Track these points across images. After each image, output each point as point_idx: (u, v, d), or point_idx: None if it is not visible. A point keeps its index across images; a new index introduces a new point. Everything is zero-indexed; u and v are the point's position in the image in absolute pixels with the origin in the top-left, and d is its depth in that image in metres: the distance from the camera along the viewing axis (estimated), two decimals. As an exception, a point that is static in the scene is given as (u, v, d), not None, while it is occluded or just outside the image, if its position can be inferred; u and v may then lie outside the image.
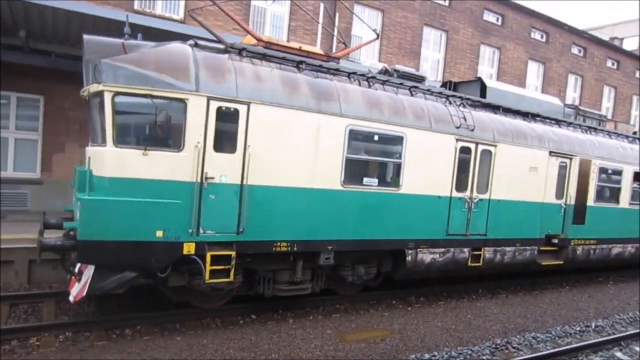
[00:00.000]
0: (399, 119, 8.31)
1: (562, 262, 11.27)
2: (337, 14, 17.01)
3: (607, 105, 26.03)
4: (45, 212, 7.68)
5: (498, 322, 8.33)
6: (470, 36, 20.27)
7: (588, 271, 13.07)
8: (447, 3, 19.80)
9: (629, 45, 34.40)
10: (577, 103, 23.88)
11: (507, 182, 9.90)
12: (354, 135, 7.91)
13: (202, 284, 6.75)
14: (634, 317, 9.40)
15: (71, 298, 6.63)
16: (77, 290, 6.56)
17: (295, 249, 7.42)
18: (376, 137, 8.16)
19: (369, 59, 17.97)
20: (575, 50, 24.14)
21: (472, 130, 9.27)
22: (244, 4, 15.40)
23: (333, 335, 7.01)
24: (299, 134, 7.30)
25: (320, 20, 16.52)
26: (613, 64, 25.96)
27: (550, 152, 10.64)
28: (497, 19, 21.23)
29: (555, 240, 11.13)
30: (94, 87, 6.31)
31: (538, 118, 11.06)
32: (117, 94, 6.20)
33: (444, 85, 11.34)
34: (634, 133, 14.41)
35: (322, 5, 16.62)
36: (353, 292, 8.98)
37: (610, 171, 12.17)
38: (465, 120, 9.25)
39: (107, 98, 6.17)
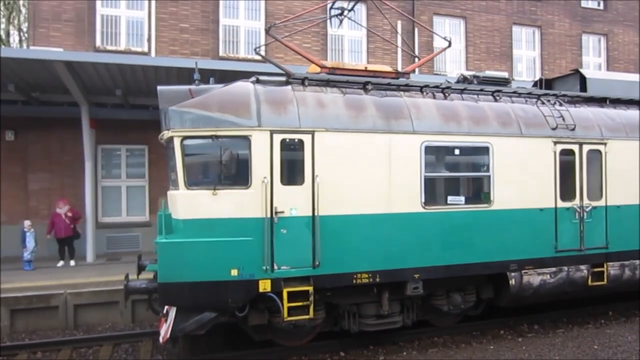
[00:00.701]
0: (481, 129, 7.54)
1: None
2: (416, 29, 16.51)
3: None
4: (141, 256, 8.11)
5: (634, 353, 6.93)
6: (568, 27, 18.41)
7: None
8: (536, -3, 18.28)
9: None
10: None
11: (626, 183, 8.46)
12: (431, 152, 7.31)
13: (282, 322, 6.53)
14: None
15: (160, 338, 6.80)
16: (164, 330, 6.72)
17: (377, 279, 6.93)
18: (457, 151, 7.47)
19: (455, 69, 17.07)
20: None
21: (573, 129, 8.11)
22: (321, 34, 15.60)
23: (427, 375, 6.32)
24: (368, 157, 6.90)
25: (399, 38, 16.13)
26: None
27: (679, 143, 8.94)
28: (598, 3, 19.09)
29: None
30: (166, 134, 6.57)
31: (659, 106, 9.43)
32: (185, 138, 6.39)
33: (535, 84, 10.22)
34: None
35: (399, 23, 16.28)
36: (451, 323, 8.15)
37: None
38: (563, 119, 8.14)
39: (177, 143, 6.37)
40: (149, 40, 13.59)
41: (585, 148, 8.22)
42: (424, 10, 16.68)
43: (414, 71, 9.10)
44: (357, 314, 7.31)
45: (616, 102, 9.06)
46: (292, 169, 6.73)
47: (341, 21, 8.84)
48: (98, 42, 13.39)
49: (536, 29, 18.13)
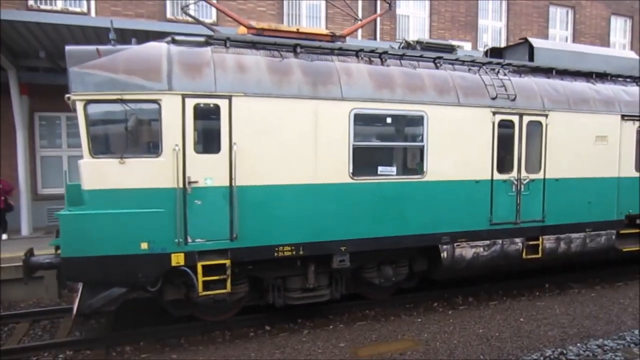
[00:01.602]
0: (416, 96, 7.21)
1: (652, 247, 9.29)
2: (379, -5, 15.91)
3: None
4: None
5: (557, 326, 6.88)
6: (535, -3, 17.99)
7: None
8: (504, -35, 17.77)
9: None
10: (680, 57, 20.29)
11: (566, 157, 8.29)
12: (361, 120, 6.97)
13: (197, 297, 6.25)
14: None
15: (73, 316, 6.48)
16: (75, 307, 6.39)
17: (301, 252, 6.67)
18: (389, 120, 7.14)
19: (418, 37, 16.57)
20: (671, -5, 20.55)
21: (514, 100, 7.84)
22: (276, -2, 14.89)
23: (345, 350, 6.14)
24: (293, 124, 6.53)
25: (360, 3, 15.56)
26: None
27: (624, 116, 8.79)
28: (567, -26, 18.66)
29: (640, 221, 9.22)
30: (69, 98, 6.06)
31: (607, 78, 9.22)
32: (88, 102, 5.90)
33: (486, 53, 9.89)
34: None
35: (359, -13, 15.65)
36: (384, 296, 8.00)
37: None
38: (505, 89, 7.85)
39: (79, 107, 5.88)
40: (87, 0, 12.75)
41: (526, 119, 7.98)
42: (387, -25, 16.02)
43: (351, 35, 8.64)
44: (283, 288, 7.09)
45: (563, 73, 8.80)
46: (208, 137, 6.35)
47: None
48: (31, 1, 12.50)
49: (503, -2, 17.69)
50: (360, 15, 15.38)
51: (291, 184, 6.55)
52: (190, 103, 6.08)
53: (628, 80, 9.53)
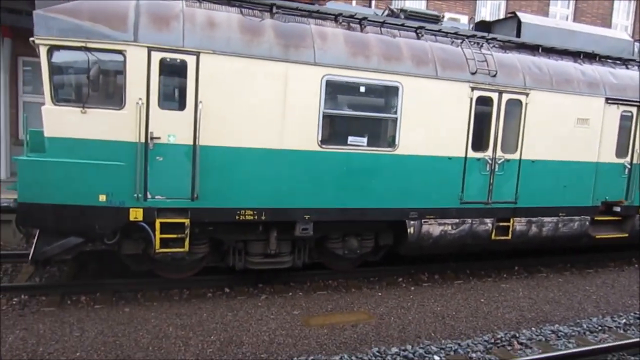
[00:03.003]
0: (391, 66, 7.03)
1: (626, 235, 9.25)
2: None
3: None
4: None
5: (515, 309, 6.90)
6: (540, -25, 17.45)
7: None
8: (510, -62, 17.15)
9: None
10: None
11: (544, 138, 8.15)
12: (334, 87, 6.82)
13: (153, 254, 6.22)
14: None
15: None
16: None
17: (263, 217, 6.61)
18: (362, 89, 6.98)
19: (414, 6, 16.14)
20: (681, -20, 19.94)
21: (494, 76, 7.66)
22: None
23: (298, 317, 6.16)
24: (261, 87, 6.38)
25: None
26: None
27: (608, 100, 8.60)
28: (574, -48, 18.05)
29: (618, 209, 9.15)
30: (33, 41, 5.89)
31: (595, 59, 8.99)
32: (52, 47, 5.75)
33: (475, 26, 9.63)
34: None
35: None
36: (348, 268, 7.98)
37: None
38: (486, 64, 7.66)
39: (42, 52, 5.75)
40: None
41: (505, 97, 7.81)
42: (389, -57, 15.51)
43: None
44: (244, 251, 7.06)
45: (550, 51, 8.58)
46: (173, 93, 6.24)
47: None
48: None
49: (506, -27, 17.16)
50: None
51: (256, 147, 6.45)
52: (156, 57, 5.93)
53: (618, 62, 9.29)
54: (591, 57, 8.94)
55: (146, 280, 7.00)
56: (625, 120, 8.94)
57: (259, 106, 6.39)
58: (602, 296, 7.69)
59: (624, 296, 7.75)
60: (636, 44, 10.04)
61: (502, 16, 17.20)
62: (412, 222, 7.44)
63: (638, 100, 8.90)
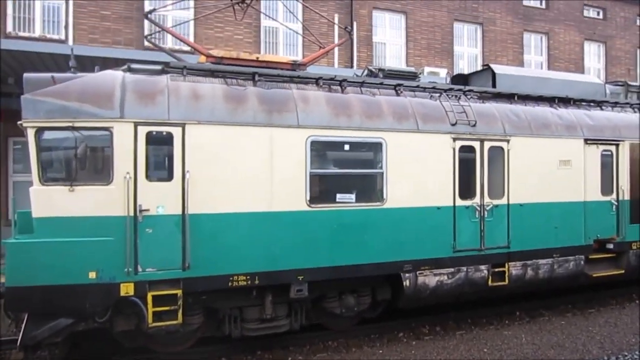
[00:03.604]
0: (374, 123, 7.22)
1: (622, 272, 9.22)
2: (355, 23, 16.21)
3: (694, 79, 22.33)
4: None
5: (520, 357, 6.75)
6: (510, 25, 18.42)
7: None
8: (479, -6, 18.20)
9: None
10: (654, 82, 20.68)
11: (529, 181, 8.29)
12: (318, 147, 6.97)
13: (147, 328, 6.08)
14: None
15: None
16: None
17: (256, 282, 6.54)
18: (347, 147, 7.14)
19: (395, 65, 16.81)
20: (642, 22, 21.11)
21: (474, 125, 7.88)
22: (253, 26, 15.12)
23: (299, 382, 5.97)
24: (248, 152, 6.51)
25: (336, 32, 15.81)
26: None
27: (587, 140, 8.84)
28: (540, 2, 19.15)
29: (611, 245, 9.17)
30: (21, 124, 6.01)
31: (570, 103, 9.31)
32: (39, 129, 5.87)
33: (453, 79, 10.02)
34: None
35: (336, 16, 15.94)
36: (347, 326, 7.82)
37: (677, 153, 9.90)
38: (466, 115, 7.90)
39: (30, 134, 5.86)
40: (66, 27, 12.87)
41: (487, 144, 8.01)
42: (363, 4, 16.37)
43: (316, 62, 8.72)
44: (240, 318, 6.93)
45: (525, 98, 8.88)
46: (160, 164, 6.33)
47: (244, 12, 8.40)
48: (9, 28, 12.60)
49: (478, 25, 18.05)
50: (336, 42, 15.63)
51: (246, 211, 6.48)
52: (143, 130, 6.06)
53: (592, 104, 9.63)
54: (566, 101, 9.26)
55: (140, 357, 6.78)
56: (606, 158, 9.15)
57: (246, 171, 6.49)
58: (606, 336, 7.56)
59: (627, 334, 7.62)
60: (607, 86, 10.47)
61: (479, 67, 17.94)
62: (407, 274, 7.39)
63: (616, 139, 9.15)
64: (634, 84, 11.25)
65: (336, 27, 15.49)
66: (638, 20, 20.95)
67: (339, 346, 7.46)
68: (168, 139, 6.19)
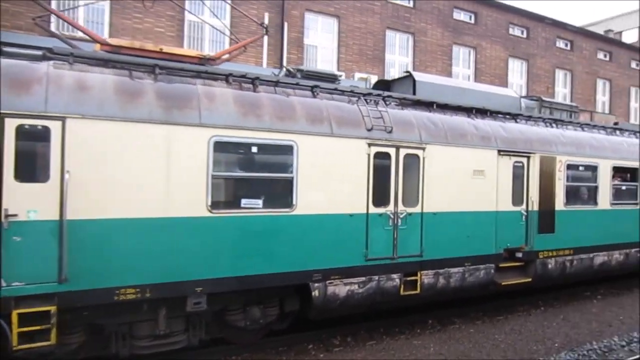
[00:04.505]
0: (285, 125, 6.84)
1: (530, 280, 9.45)
2: (286, 24, 15.84)
3: (602, 99, 24.06)
4: None
5: (426, 368, 6.61)
6: (440, 37, 18.81)
7: (573, 285, 11.19)
8: (411, 4, 18.47)
9: (628, 38, 32.31)
10: (568, 99, 22.01)
11: (444, 191, 8.25)
12: (223, 148, 6.47)
13: (10, 351, 5.30)
14: (609, 346, 7.52)
15: None
16: None
17: (147, 295, 5.93)
18: (255, 149, 6.70)
19: (326, 68, 16.60)
20: (560, 44, 22.44)
21: (390, 132, 7.72)
22: (177, 19, 14.33)
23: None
24: (141, 151, 5.90)
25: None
26: (605, 56, 24.09)
27: (500, 151, 8.97)
28: (470, 17, 19.73)
29: (520, 254, 9.37)
30: None
31: (487, 114, 9.43)
32: None
33: (376, 85, 9.89)
34: (615, 123, 12.58)
35: (266, 15, 15.50)
36: (253, 339, 7.37)
37: (582, 168, 10.35)
38: (382, 121, 7.72)
39: None
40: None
41: (403, 152, 7.87)
42: (295, 5, 16.05)
43: (231, 60, 8.25)
44: (129, 335, 6.28)
45: (444, 107, 8.87)
46: (33, 163, 5.55)
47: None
48: None
49: (410, 35, 18.28)
50: (265, 42, 15.21)
51: (137, 217, 5.86)
52: (12, 123, 5.29)
53: (508, 117, 9.82)
54: (483, 112, 9.36)
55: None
56: (518, 170, 9.34)
57: (139, 173, 5.88)
58: (510, 344, 7.64)
59: (530, 342, 7.74)
60: (522, 100, 10.78)
61: (407, 73, 18.16)
62: (316, 284, 7.05)
63: (527, 151, 9.37)
64: (547, 99, 11.70)
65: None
66: (557, 42, 22.16)
67: (244, 361, 7.00)
68: (44, 134, 5.45)
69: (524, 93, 20.48)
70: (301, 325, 7.78)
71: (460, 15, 19.53)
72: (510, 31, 20.73)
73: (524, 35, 21.22)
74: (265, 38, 15.10)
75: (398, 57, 18.18)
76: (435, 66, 18.75)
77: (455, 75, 19.09)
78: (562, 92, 22.36)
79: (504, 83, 20.25)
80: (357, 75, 16.55)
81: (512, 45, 20.69)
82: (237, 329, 7.03)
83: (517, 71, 21.01)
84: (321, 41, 16.54)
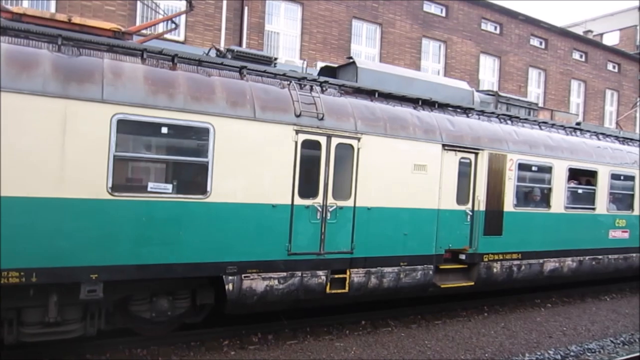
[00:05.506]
0: (201, 106, 6.39)
1: (472, 283, 9.13)
2: (246, 8, 15.31)
3: (576, 101, 23.94)
4: None
5: (340, 370, 6.24)
6: (409, 29, 18.42)
7: (525, 291, 10.93)
8: (380, -6, 18.01)
9: (609, 40, 32.36)
10: (541, 100, 21.85)
11: (380, 185, 7.86)
12: (128, 128, 6.00)
13: None
14: (542, 358, 7.22)
15: None
16: None
17: (34, 279, 5.47)
18: (165, 130, 6.23)
19: (288, 56, 16.14)
20: (535, 42, 22.19)
21: (322, 119, 7.30)
22: (130, -3, 13.70)
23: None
24: (31, 126, 5.41)
25: (224, 14, 14.83)
26: (581, 56, 23.93)
27: (445, 146, 8.60)
28: (441, 10, 19.37)
29: (463, 256, 9.03)
30: None
31: (434, 106, 9.05)
32: None
33: (322, 70, 9.45)
34: (578, 123, 12.31)
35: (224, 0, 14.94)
36: (163, 332, 6.95)
37: (535, 168, 10.01)
38: (314, 107, 7.30)
39: None
40: None
41: (335, 141, 7.46)
42: (259, -11, 15.51)
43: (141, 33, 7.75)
44: (17, 321, 5.80)
45: (387, 96, 8.48)
46: None
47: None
48: None
49: (377, 26, 17.85)
50: (223, 26, 14.69)
51: (22, 196, 5.38)
52: None
53: (458, 110, 9.45)
54: (430, 104, 8.97)
55: None
56: (464, 166, 8.98)
57: (27, 148, 5.39)
58: (438, 351, 7.29)
59: (459, 350, 7.40)
60: (477, 94, 10.41)
61: (374, 65, 17.74)
62: (230, 277, 6.64)
63: (476, 147, 9.02)
64: (504, 95, 11.39)
65: (224, 10, 14.52)
66: (531, 39, 21.93)
67: (148, 355, 6.56)
68: None
69: (496, 90, 20.22)
70: (231, 320, 7.37)
71: (431, 8, 19.14)
72: (483, 26, 20.42)
73: (497, 32, 20.94)
74: (224, 21, 14.59)
75: (365, 48, 17.75)
76: (404, 59, 18.37)
77: (425, 69, 18.73)
78: (535, 92, 22.17)
79: (475, 80, 19.97)
80: (320, 64, 16.07)
81: (484, 41, 20.39)
82: (144, 321, 6.59)
83: (489, 68, 20.74)
84: (283, 28, 16.03)
